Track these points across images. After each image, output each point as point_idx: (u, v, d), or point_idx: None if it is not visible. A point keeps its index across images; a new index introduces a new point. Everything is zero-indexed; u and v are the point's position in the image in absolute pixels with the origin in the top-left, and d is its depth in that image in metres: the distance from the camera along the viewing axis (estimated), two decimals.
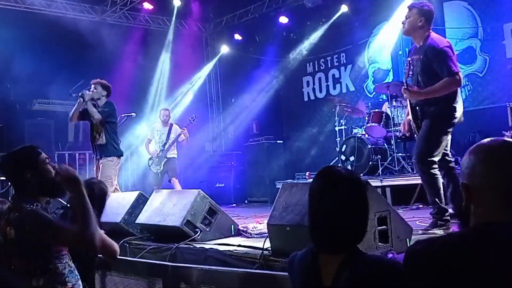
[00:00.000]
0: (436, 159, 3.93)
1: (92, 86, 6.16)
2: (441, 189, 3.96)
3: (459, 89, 3.99)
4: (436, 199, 3.91)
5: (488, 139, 1.48)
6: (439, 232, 3.78)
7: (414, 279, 1.43)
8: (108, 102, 6.24)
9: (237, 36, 10.92)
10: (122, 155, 6.27)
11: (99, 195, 3.26)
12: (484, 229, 1.36)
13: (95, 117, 6.01)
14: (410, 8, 3.98)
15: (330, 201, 1.72)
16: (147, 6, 9.76)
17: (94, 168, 6.33)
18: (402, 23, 4.03)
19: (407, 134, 4.43)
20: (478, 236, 1.36)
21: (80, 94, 6.02)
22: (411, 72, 3.98)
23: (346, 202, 1.71)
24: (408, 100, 4.10)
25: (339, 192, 1.72)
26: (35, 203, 2.49)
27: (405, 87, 3.88)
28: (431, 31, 3.96)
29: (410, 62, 3.98)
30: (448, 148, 4.14)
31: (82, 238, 2.34)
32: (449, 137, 4.09)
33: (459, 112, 3.95)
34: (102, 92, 6.21)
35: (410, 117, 4.15)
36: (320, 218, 1.74)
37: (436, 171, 3.95)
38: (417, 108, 4.05)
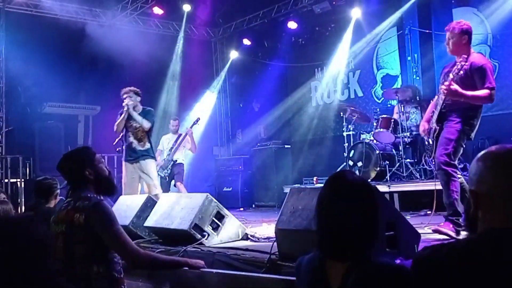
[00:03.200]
0: (456, 162, 4.04)
1: (126, 96, 6.24)
2: (459, 192, 4.01)
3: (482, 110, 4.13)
4: (453, 201, 3.95)
5: (496, 146, 1.49)
6: (450, 232, 3.83)
7: (422, 285, 1.43)
8: (149, 110, 6.37)
9: (246, 41, 10.96)
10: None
11: None
12: (492, 235, 1.37)
13: (144, 126, 6.15)
14: (451, 29, 4.13)
15: (340, 208, 1.71)
16: (157, 11, 9.84)
17: (124, 171, 6.39)
18: (446, 45, 4.17)
19: (423, 135, 4.49)
20: (486, 242, 1.36)
21: (125, 105, 6.14)
22: (461, 73, 4.01)
23: (356, 208, 1.70)
24: (440, 104, 4.15)
25: (350, 198, 1.71)
26: (97, 196, 2.71)
27: (449, 84, 3.93)
28: (472, 48, 4.17)
29: (463, 63, 4.04)
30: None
31: (130, 255, 2.61)
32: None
33: (476, 130, 4.12)
34: (137, 99, 6.31)
35: (433, 119, 4.21)
36: (329, 224, 1.73)
37: (456, 174, 4.02)
38: (444, 112, 4.14)
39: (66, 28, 9.08)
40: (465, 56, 4.02)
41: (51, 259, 2.94)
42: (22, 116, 9.29)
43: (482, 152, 1.49)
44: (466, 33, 4.11)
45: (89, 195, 2.67)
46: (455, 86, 3.92)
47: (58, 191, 4.11)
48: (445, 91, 3.98)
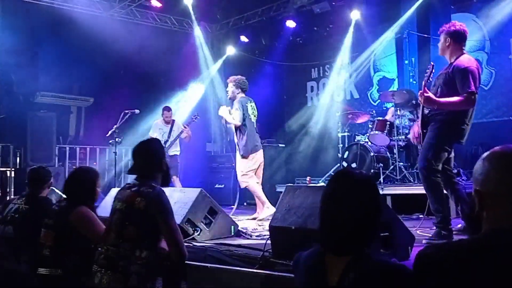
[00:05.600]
0: (439, 167, 3.96)
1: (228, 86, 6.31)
2: (444, 197, 3.97)
3: (473, 112, 4.07)
4: (439, 208, 3.90)
5: (501, 146, 1.49)
6: (443, 242, 3.77)
7: (423, 283, 1.42)
8: (236, 102, 6.23)
9: (243, 38, 10.90)
10: (256, 151, 6.32)
11: (84, 182, 3.34)
12: (496, 235, 1.36)
13: (230, 122, 6.23)
14: (440, 32, 4.15)
15: (345, 203, 1.72)
16: (155, 3, 9.74)
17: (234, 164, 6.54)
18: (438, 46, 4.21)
19: (414, 142, 4.47)
20: (490, 242, 1.35)
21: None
22: (431, 79, 4.00)
23: (361, 204, 1.72)
24: (421, 109, 4.12)
25: (355, 194, 1.73)
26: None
27: (422, 91, 3.89)
28: (464, 51, 4.08)
29: (432, 68, 4.02)
30: (452, 165, 4.20)
31: (179, 248, 2.73)
32: (452, 153, 4.14)
33: (465, 133, 4.03)
34: (236, 91, 6.28)
35: (419, 124, 4.18)
36: (333, 219, 1.74)
37: (439, 179, 3.96)
38: (428, 117, 4.09)
39: (63, 17, 8.97)
40: (451, 61, 4.03)
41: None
42: (15, 104, 9.16)
43: (488, 152, 1.48)
44: (450, 35, 4.05)
45: (153, 184, 2.84)
46: (428, 94, 3.87)
47: (52, 180, 4.07)
48: (420, 100, 3.96)
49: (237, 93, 6.28)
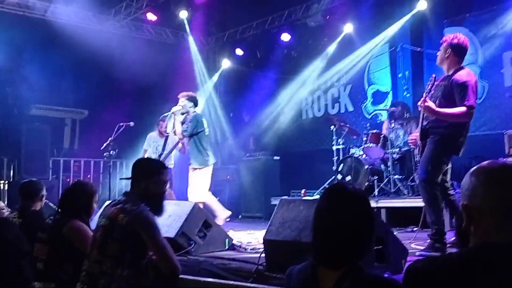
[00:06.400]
0: (438, 180, 4.00)
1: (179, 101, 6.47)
2: (442, 211, 3.99)
3: (469, 126, 4.09)
4: (435, 220, 3.93)
5: (488, 161, 1.51)
6: (436, 255, 3.78)
7: None
8: (195, 115, 6.43)
9: (239, 51, 10.98)
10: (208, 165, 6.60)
11: (80, 196, 3.36)
12: (484, 249, 1.38)
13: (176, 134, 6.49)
14: (442, 41, 4.15)
15: (337, 217, 1.73)
16: (151, 17, 9.81)
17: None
18: (437, 55, 4.20)
19: (412, 146, 4.52)
20: (478, 256, 1.37)
21: (171, 111, 6.45)
22: (433, 91, 4.04)
23: (355, 218, 1.73)
24: (420, 120, 4.16)
25: (349, 208, 1.74)
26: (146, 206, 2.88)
27: (424, 99, 3.93)
28: (462, 64, 4.09)
29: (434, 80, 4.05)
30: (448, 177, 4.21)
31: (171, 262, 2.77)
32: (450, 165, 4.17)
33: (463, 146, 4.06)
34: (189, 104, 6.41)
35: (418, 136, 4.21)
36: (326, 233, 1.75)
37: (437, 192, 4.00)
38: (427, 129, 4.12)
39: (58, 30, 9.00)
40: (448, 73, 4.05)
41: (25, 262, 3.01)
42: (9, 117, 9.15)
43: (475, 168, 1.51)
44: (452, 47, 4.05)
45: (137, 201, 2.87)
46: (429, 103, 3.91)
47: (44, 193, 4.06)
48: (420, 108, 3.99)
49: (190, 107, 6.44)
